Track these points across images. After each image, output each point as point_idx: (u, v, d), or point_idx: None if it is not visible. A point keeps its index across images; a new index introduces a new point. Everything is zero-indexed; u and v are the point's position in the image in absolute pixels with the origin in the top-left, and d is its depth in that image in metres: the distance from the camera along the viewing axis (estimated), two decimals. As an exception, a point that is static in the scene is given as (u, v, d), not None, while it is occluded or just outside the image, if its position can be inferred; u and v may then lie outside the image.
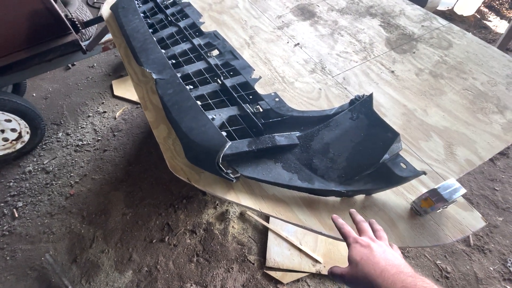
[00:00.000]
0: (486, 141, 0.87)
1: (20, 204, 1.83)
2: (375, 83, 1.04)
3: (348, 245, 0.54)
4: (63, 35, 1.79)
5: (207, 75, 1.02)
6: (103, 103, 2.38)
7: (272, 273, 1.50)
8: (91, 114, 2.31)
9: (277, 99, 0.94)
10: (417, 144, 0.87)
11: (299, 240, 1.59)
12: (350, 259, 0.51)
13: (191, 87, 0.98)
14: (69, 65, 2.69)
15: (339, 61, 1.13)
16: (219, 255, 1.59)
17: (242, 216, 1.72)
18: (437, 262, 1.52)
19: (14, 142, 1.96)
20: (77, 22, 1.89)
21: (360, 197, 0.77)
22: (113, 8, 1.37)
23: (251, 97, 0.96)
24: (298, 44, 1.21)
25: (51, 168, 1.99)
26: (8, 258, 1.63)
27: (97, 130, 2.20)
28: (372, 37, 1.22)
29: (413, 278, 0.42)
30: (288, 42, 1.22)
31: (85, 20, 2.15)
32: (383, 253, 0.49)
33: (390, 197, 0.77)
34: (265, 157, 0.82)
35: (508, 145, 0.86)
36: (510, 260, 1.49)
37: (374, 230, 0.57)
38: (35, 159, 2.05)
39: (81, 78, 2.60)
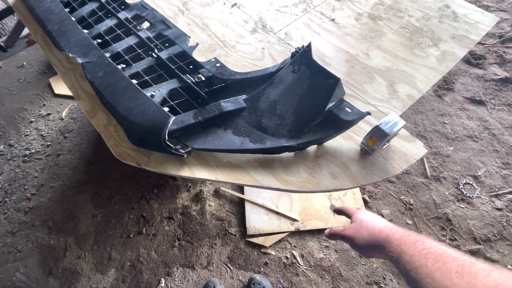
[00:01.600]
0: (424, 74, 0.91)
1: (-27, 229, 1.67)
2: (317, 34, 1.02)
3: (353, 213, 0.63)
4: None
5: (139, 50, 0.93)
6: (44, 104, 2.16)
7: (254, 240, 1.55)
8: (33, 119, 2.09)
9: (218, 64, 0.89)
10: (362, 87, 0.89)
11: (275, 204, 1.64)
12: (355, 218, 0.59)
13: (124, 65, 0.90)
14: (-7, 68, 2.36)
15: (279, 17, 1.09)
16: (200, 234, 1.59)
17: (217, 193, 1.72)
18: (401, 197, 1.65)
19: None
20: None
21: (312, 148, 0.78)
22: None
23: (191, 66, 0.90)
24: (236, 4, 1.14)
25: (0, 186, 1.81)
26: (-26, 287, 1.51)
27: (44, 135, 2.00)
28: (309, -14, 1.18)
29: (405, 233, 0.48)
30: (224, 4, 1.14)
31: (-4, 11, 1.85)
32: (375, 216, 0.59)
33: (340, 142, 0.79)
34: (214, 126, 0.79)
35: (444, 75, 0.90)
36: (461, 183, 1.66)
37: (352, 213, 0.65)
38: (-22, 179, 1.85)
39: (12, 81, 2.31)
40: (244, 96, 0.83)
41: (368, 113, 0.73)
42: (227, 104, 0.80)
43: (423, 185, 1.68)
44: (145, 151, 0.79)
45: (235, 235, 1.58)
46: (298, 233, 1.57)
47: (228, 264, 1.51)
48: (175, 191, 1.74)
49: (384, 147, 0.75)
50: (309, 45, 0.80)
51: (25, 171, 1.86)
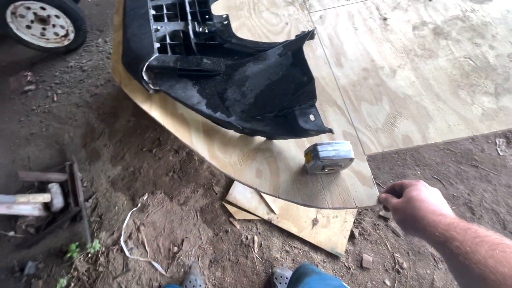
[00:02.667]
0: (448, 123, 0.69)
1: (59, 91, 2.21)
2: (354, 29, 0.87)
3: (406, 186, 0.55)
4: None
5: (173, -13, 0.98)
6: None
7: (228, 206, 1.60)
8: (127, 27, 2.48)
9: (225, 22, 0.87)
10: (357, 104, 0.74)
11: (264, 188, 1.62)
12: (405, 194, 0.53)
13: (154, -5, 0.96)
14: (122, -24, 2.81)
15: (327, -4, 0.95)
16: (191, 177, 1.74)
17: (222, 152, 1.79)
18: (396, 255, 1.41)
19: (63, 38, 2.27)
20: None
21: (260, 139, 0.73)
22: None
23: (206, 16, 0.91)
24: (294, -30, 1.03)
25: (86, 68, 2.30)
26: (43, 129, 2.06)
27: (128, 43, 2.38)
28: (388, -27, 0.97)
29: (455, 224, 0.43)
30: (283, -34, 1.05)
31: None
32: (430, 192, 0.52)
33: (290, 147, 0.71)
34: (187, 77, 0.81)
35: (474, 135, 0.67)
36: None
37: (406, 187, 0.56)
38: (77, 57, 2.37)
39: (129, -9, 2.73)
40: (229, 62, 0.81)
41: (331, 131, 0.63)
42: (207, 63, 0.79)
43: (431, 259, 1.38)
44: (130, 75, 0.87)
45: (216, 194, 1.67)
46: (269, 224, 1.55)
47: (198, 213, 1.62)
48: (191, 132, 1.89)
49: (324, 172, 0.64)
50: (308, 33, 0.70)
51: (105, 65, 2.29)
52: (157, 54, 0.80)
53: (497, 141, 1.62)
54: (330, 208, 0.63)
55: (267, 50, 0.77)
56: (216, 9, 0.94)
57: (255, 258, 1.47)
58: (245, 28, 0.91)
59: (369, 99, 0.75)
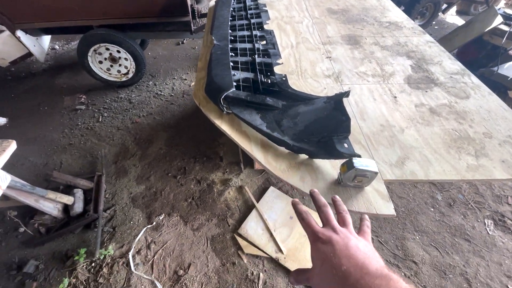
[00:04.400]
0: (443, 169, 0.94)
1: (105, 114, 2.54)
2: (373, 99, 1.21)
3: (310, 242, 0.48)
4: (182, 16, 2.49)
5: (247, 52, 1.39)
6: (187, 73, 3.05)
7: (239, 239, 1.68)
8: (176, 78, 2.99)
9: (283, 78, 1.22)
10: (377, 146, 1.01)
11: (275, 227, 1.74)
12: (312, 261, 0.46)
13: (233, 54, 1.36)
14: (180, 42, 3.53)
15: (354, 77, 1.34)
16: (207, 206, 1.86)
17: (240, 189, 1.97)
18: None
19: (123, 75, 2.73)
20: (196, 11, 2.59)
21: (303, 156, 0.97)
22: (216, 1, 1.92)
23: (269, 73, 1.27)
24: (330, 57, 1.47)
25: (134, 101, 2.68)
26: (82, 142, 2.29)
27: (174, 89, 2.84)
28: (396, 71, 1.39)
29: (379, 279, 0.39)
30: (323, 54, 1.49)
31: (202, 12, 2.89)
32: (346, 249, 0.44)
33: (326, 165, 0.94)
34: (253, 107, 1.10)
35: (464, 180, 0.91)
36: None
37: (337, 212, 0.54)
38: (128, 92, 2.79)
39: (183, 53, 3.39)
40: (284, 103, 1.12)
41: (359, 156, 0.88)
42: (269, 100, 1.10)
43: (432, 324, 1.40)
44: (208, 100, 1.17)
45: (229, 226, 1.77)
46: (275, 263, 1.61)
47: (209, 241, 1.69)
48: (215, 168, 2.10)
49: (353, 184, 0.85)
50: (347, 92, 1.02)
51: (150, 101, 2.68)
52: (234, 89, 1.12)
53: (485, 222, 1.81)
54: (356, 212, 0.82)
55: (314, 99, 1.09)
56: (276, 71, 1.32)
57: (258, 295, 1.48)
58: (295, 86, 1.26)
59: (385, 144, 1.02)
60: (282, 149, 0.99)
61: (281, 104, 1.10)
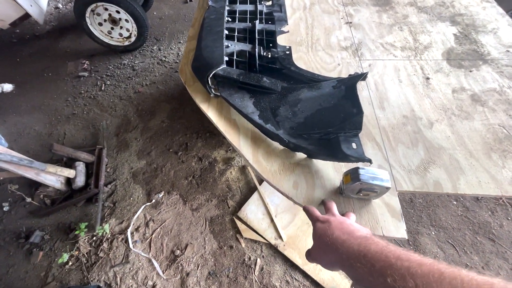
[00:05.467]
0: (479, 180, 0.74)
1: (108, 82, 2.42)
2: (398, 81, 0.97)
3: (312, 225, 0.57)
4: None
5: (248, 16, 1.14)
6: (194, 37, 2.79)
7: (238, 223, 1.62)
8: (182, 42, 2.75)
9: (287, 52, 1.00)
10: (395, 145, 0.81)
11: (276, 213, 1.64)
12: (313, 240, 0.54)
13: (229, 19, 1.12)
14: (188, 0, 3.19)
15: (378, 50, 1.07)
16: (208, 186, 1.79)
17: (242, 169, 1.86)
18: None
19: (125, 39, 2.54)
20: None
21: (300, 155, 0.80)
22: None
23: (271, 44, 1.04)
24: (351, 23, 1.19)
25: (137, 68, 2.52)
26: (85, 112, 2.23)
27: (179, 54, 2.62)
28: (434, 41, 1.10)
29: (360, 239, 0.45)
30: (342, 18, 1.21)
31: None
32: (340, 224, 0.51)
33: (328, 169, 0.77)
34: (245, 89, 0.91)
35: (501, 195, 0.71)
36: None
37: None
38: (131, 58, 2.62)
39: (191, 13, 3.08)
40: (285, 84, 0.92)
41: (370, 161, 0.69)
42: (266, 81, 0.90)
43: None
44: (195, 78, 0.99)
45: (229, 207, 1.70)
46: (274, 250, 1.54)
47: (207, 222, 1.65)
48: (218, 145, 1.98)
49: (358, 196, 0.69)
50: (362, 74, 0.80)
51: (153, 69, 2.51)
52: (224, 66, 0.92)
53: (517, 220, 1.60)
54: (358, 231, 0.67)
55: (321, 82, 0.87)
56: (280, 41, 1.08)
57: (254, 281, 1.45)
58: (302, 61, 1.03)
59: (406, 143, 0.82)
60: (277, 144, 0.82)
61: (280, 86, 0.90)
